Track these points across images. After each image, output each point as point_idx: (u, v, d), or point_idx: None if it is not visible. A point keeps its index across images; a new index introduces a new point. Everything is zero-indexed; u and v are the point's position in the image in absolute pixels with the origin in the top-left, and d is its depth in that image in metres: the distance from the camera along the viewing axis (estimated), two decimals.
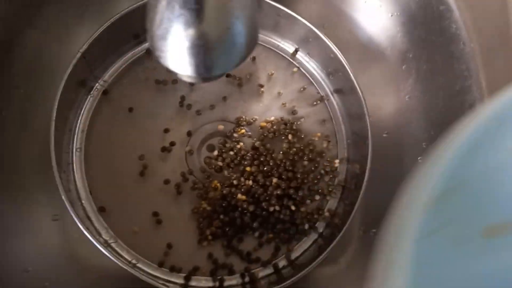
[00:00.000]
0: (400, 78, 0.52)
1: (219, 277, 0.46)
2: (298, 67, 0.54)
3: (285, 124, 0.52)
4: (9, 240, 0.44)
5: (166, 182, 0.49)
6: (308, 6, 0.56)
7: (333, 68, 0.52)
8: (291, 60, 0.55)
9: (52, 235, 0.46)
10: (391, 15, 0.52)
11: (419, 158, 0.50)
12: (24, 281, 0.43)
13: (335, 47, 0.49)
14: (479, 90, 0.46)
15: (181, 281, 0.46)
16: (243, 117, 0.52)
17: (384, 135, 0.52)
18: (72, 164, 0.48)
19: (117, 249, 0.45)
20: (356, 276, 0.49)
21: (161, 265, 0.46)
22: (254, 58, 0.54)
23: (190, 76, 0.29)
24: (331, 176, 0.51)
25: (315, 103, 0.53)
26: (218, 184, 0.49)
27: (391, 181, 0.52)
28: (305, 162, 0.51)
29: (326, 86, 0.54)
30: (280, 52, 0.55)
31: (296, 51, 0.54)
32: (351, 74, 0.49)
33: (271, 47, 0.55)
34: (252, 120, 0.52)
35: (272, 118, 0.52)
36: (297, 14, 0.50)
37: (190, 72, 0.29)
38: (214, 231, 0.47)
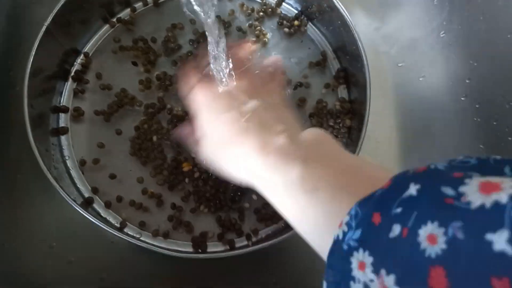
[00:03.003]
0: (432, 15, 0.46)
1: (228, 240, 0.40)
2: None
3: None
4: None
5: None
6: None
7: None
8: None
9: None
10: None
11: (462, 97, 0.42)
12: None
13: None
14: None
15: (189, 249, 0.40)
16: None
17: (420, 79, 0.45)
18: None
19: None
20: None
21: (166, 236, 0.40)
22: None
23: None
24: None
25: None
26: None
27: (432, 124, 0.45)
28: None
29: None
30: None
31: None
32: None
33: None
34: None
35: None
36: None
37: None
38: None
